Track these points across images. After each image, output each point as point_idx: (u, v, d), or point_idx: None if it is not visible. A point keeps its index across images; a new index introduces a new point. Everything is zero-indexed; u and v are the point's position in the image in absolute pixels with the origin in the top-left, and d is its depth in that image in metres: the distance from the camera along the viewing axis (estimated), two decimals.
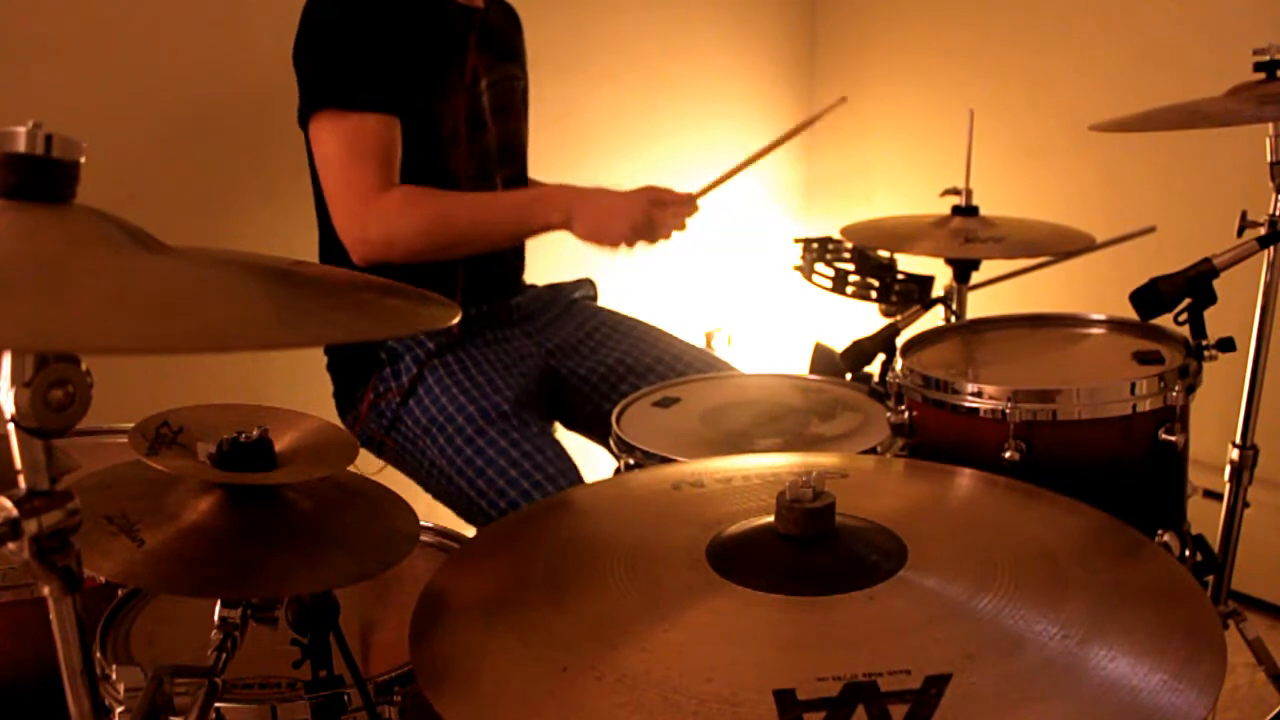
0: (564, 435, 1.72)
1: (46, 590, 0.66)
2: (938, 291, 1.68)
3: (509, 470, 1.48)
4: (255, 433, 0.89)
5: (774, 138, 1.64)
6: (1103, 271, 1.77)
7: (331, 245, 1.61)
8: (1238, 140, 1.55)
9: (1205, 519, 1.46)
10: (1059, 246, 1.71)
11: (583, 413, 1.75)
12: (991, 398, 1.22)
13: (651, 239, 1.53)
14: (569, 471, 1.50)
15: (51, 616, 0.67)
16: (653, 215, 1.51)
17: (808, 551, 0.83)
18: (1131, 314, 1.31)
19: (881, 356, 1.60)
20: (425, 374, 1.60)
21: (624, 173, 2.61)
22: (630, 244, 1.52)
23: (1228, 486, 1.46)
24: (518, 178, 1.77)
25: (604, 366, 1.74)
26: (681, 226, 1.57)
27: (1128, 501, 1.00)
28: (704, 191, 1.60)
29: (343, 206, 1.52)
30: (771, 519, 0.85)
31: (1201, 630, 0.73)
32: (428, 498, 1.63)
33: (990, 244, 1.68)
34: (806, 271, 1.74)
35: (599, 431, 1.71)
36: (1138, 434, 1.23)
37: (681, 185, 1.60)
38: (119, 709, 0.88)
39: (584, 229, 1.52)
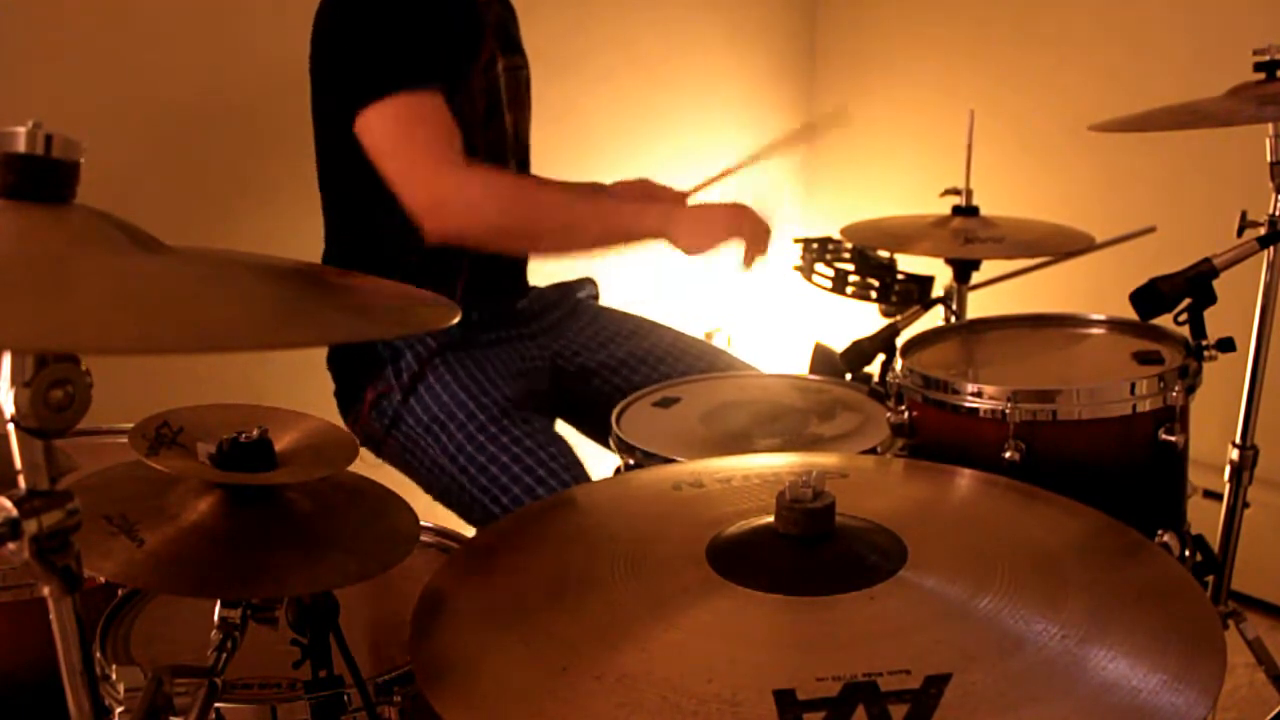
0: (568, 433, 1.72)
1: (46, 590, 0.66)
2: (938, 291, 1.68)
3: (512, 466, 1.48)
4: (255, 433, 0.89)
5: (770, 141, 1.63)
6: (1103, 271, 1.77)
7: (338, 247, 1.60)
8: (1238, 140, 1.54)
9: (1205, 519, 1.46)
10: (1059, 246, 1.71)
11: (591, 409, 1.75)
12: (991, 398, 1.22)
13: (760, 248, 1.50)
14: (572, 466, 1.50)
15: (51, 616, 0.67)
16: (756, 227, 1.50)
17: (808, 551, 0.82)
18: (1131, 314, 1.31)
19: (881, 356, 1.60)
20: (427, 372, 1.60)
21: (624, 173, 2.61)
22: (729, 239, 1.48)
23: (1228, 486, 1.46)
24: (522, 169, 1.77)
25: (614, 361, 1.74)
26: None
27: (1128, 501, 1.00)
28: (696, 190, 1.59)
29: (421, 176, 1.45)
30: (771, 519, 0.85)
31: (1201, 630, 0.73)
32: (427, 497, 1.63)
33: (990, 244, 1.68)
34: (806, 271, 1.74)
35: (602, 427, 1.71)
36: (1138, 434, 1.23)
37: (679, 184, 1.60)
38: (119, 709, 0.88)
39: (682, 241, 1.48)
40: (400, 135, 1.46)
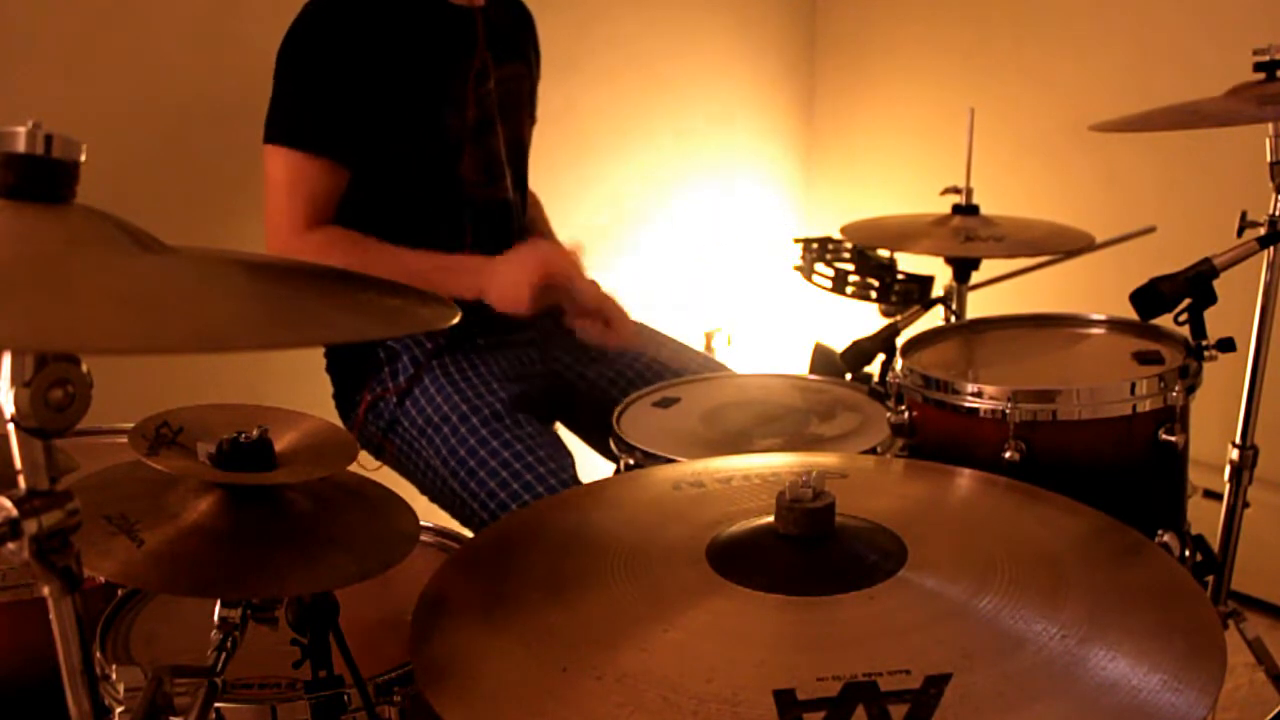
0: (566, 438, 1.72)
1: (46, 590, 0.66)
2: (938, 291, 1.68)
3: (500, 472, 1.48)
4: (255, 433, 0.89)
5: None
6: (1103, 271, 1.77)
7: None
8: (1238, 140, 1.54)
9: (1205, 519, 1.46)
10: (1059, 246, 1.71)
11: (589, 417, 1.74)
12: (991, 398, 1.22)
13: (564, 284, 1.55)
14: (561, 470, 1.50)
15: (51, 616, 0.67)
16: (551, 274, 1.53)
17: (808, 551, 0.83)
18: (1131, 314, 1.31)
19: (881, 356, 1.60)
20: (423, 374, 1.60)
21: (623, 173, 2.62)
22: (539, 305, 1.53)
23: (1228, 486, 1.46)
24: (520, 177, 1.78)
25: (611, 372, 1.74)
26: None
27: (1128, 501, 1.00)
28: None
29: (270, 231, 1.58)
30: (771, 519, 0.85)
31: (1201, 630, 0.73)
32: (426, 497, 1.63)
33: (990, 243, 1.68)
34: (806, 271, 1.74)
35: (603, 435, 1.72)
36: (1138, 434, 1.23)
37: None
38: (119, 709, 0.87)
39: (495, 298, 1.54)
40: (276, 184, 1.56)
